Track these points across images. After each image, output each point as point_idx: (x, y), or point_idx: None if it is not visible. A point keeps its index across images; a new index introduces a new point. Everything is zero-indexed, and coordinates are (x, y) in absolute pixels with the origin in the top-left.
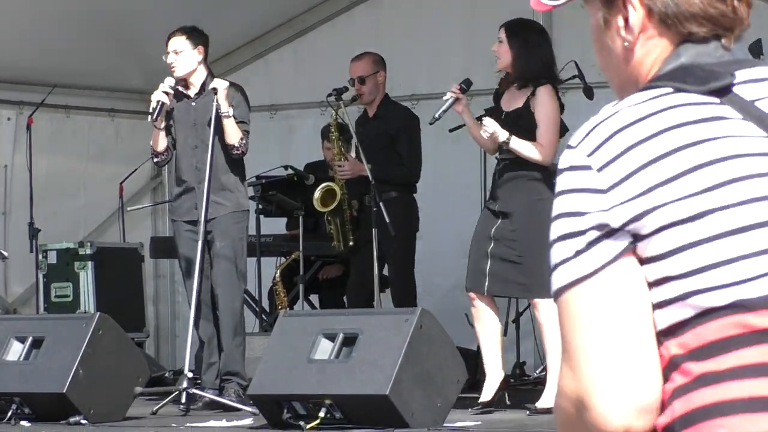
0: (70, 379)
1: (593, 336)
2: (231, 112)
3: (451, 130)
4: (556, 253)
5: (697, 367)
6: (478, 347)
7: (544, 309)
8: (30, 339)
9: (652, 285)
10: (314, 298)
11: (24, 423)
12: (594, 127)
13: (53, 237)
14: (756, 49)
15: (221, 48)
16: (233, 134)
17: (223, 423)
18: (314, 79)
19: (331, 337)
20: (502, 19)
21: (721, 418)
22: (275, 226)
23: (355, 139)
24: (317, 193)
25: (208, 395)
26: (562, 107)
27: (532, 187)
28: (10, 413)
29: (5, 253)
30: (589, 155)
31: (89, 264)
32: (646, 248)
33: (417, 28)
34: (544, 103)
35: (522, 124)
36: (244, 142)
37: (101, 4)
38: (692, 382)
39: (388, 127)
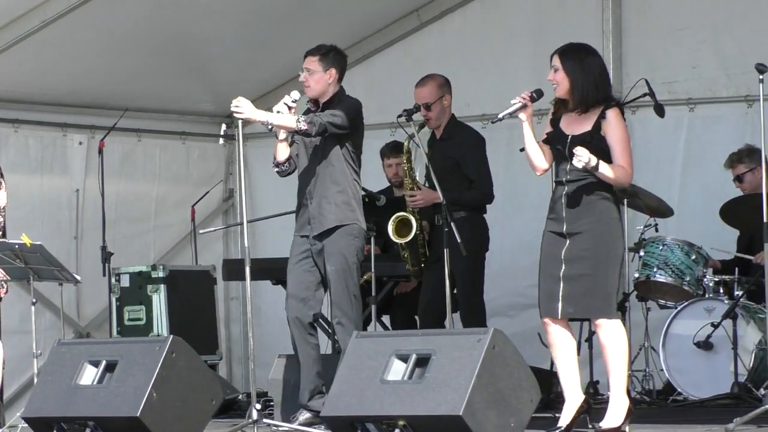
0: (144, 403)
1: None
2: (273, 120)
3: (522, 150)
4: None
5: None
6: (552, 366)
7: (606, 329)
8: (104, 363)
9: None
10: (386, 319)
11: None
12: None
13: (126, 260)
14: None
15: (291, 71)
16: (288, 123)
17: None
18: (384, 100)
19: (404, 358)
20: (569, 36)
21: None
22: None
23: (426, 161)
24: (391, 225)
25: (283, 425)
26: None
27: (603, 207)
28: None
29: (78, 277)
30: None
31: (162, 287)
32: None
33: (485, 49)
34: (617, 125)
35: (592, 147)
36: (301, 123)
37: (172, 29)
38: None
39: (453, 151)
